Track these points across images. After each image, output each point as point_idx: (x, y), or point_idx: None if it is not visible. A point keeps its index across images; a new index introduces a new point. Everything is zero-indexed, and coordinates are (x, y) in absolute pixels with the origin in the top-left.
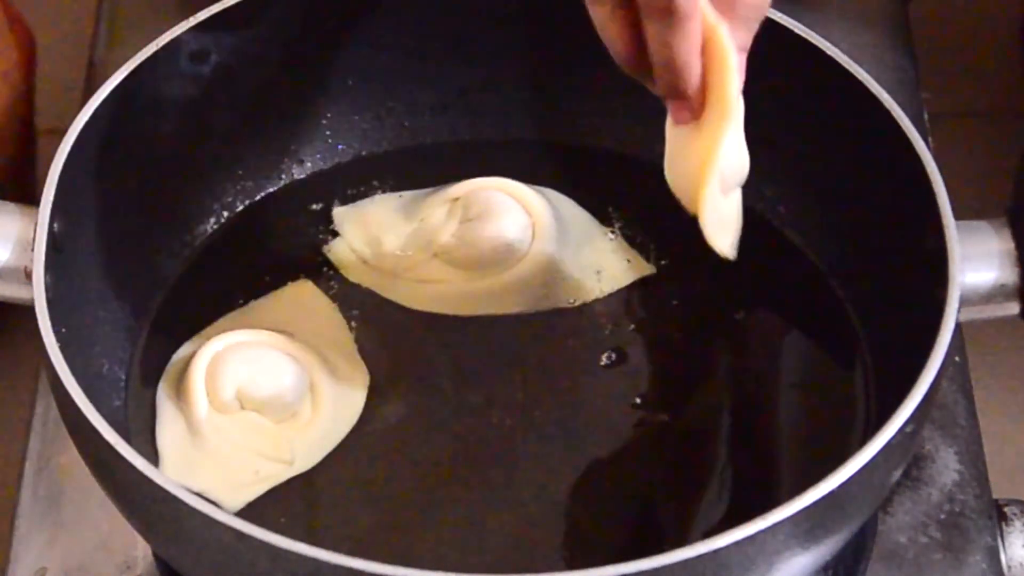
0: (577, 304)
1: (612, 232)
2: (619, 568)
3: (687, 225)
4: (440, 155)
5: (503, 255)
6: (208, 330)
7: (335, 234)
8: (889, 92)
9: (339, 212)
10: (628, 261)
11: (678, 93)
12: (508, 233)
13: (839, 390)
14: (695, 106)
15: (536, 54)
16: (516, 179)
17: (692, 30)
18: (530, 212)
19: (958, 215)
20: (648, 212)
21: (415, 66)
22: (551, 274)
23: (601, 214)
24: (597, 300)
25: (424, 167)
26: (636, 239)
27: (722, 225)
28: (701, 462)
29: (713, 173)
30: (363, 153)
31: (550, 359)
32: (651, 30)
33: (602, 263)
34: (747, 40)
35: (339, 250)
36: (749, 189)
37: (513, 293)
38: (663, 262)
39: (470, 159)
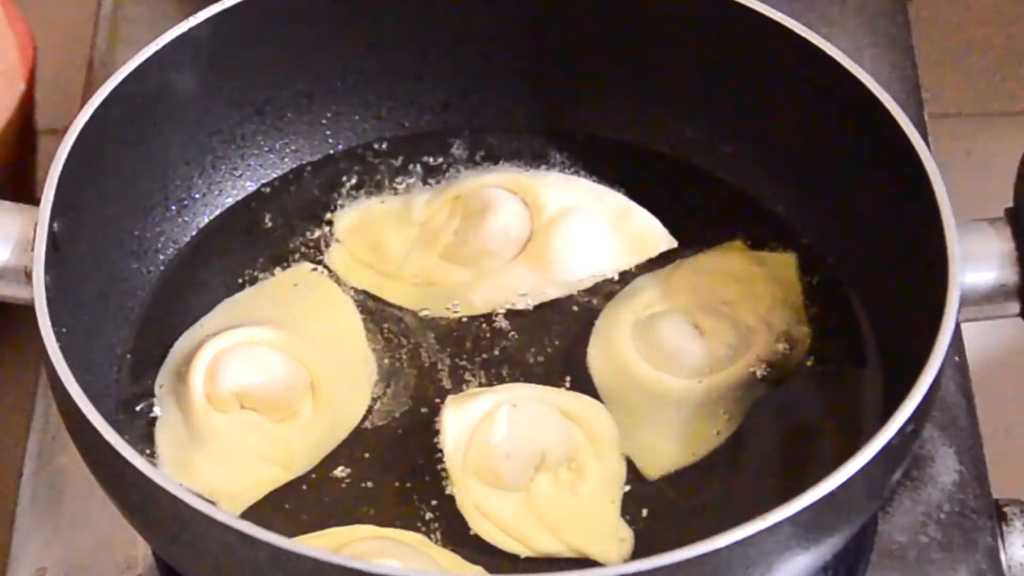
0: (589, 287)
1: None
2: (619, 568)
3: (692, 217)
4: (441, 153)
5: (502, 245)
6: (208, 317)
7: (333, 233)
8: (889, 92)
9: (340, 220)
10: (645, 235)
11: None
12: (504, 222)
13: (845, 390)
14: None
15: (535, 49)
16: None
17: None
18: (528, 201)
19: (958, 215)
20: (651, 205)
21: (415, 65)
22: (557, 256)
23: None
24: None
25: (425, 165)
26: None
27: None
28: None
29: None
30: (363, 151)
31: (551, 359)
32: None
33: (618, 238)
34: None
35: (338, 257)
36: (750, 186)
37: (519, 281)
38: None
39: (471, 156)
